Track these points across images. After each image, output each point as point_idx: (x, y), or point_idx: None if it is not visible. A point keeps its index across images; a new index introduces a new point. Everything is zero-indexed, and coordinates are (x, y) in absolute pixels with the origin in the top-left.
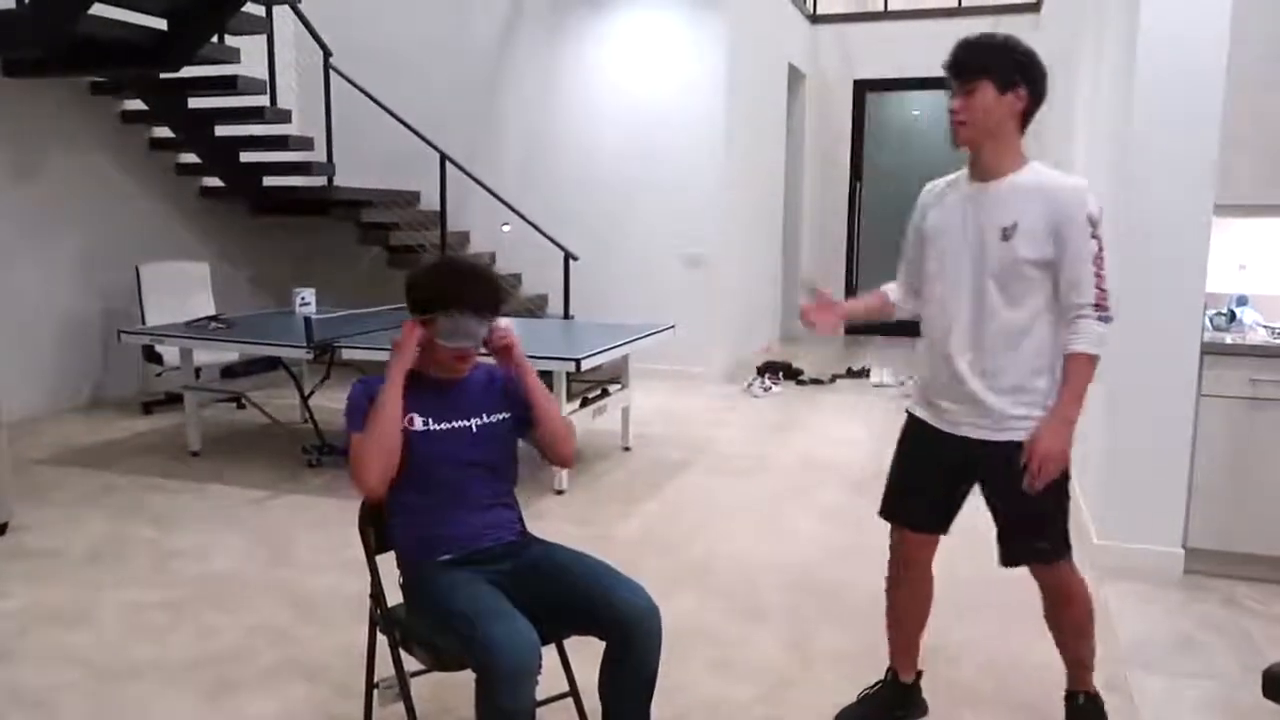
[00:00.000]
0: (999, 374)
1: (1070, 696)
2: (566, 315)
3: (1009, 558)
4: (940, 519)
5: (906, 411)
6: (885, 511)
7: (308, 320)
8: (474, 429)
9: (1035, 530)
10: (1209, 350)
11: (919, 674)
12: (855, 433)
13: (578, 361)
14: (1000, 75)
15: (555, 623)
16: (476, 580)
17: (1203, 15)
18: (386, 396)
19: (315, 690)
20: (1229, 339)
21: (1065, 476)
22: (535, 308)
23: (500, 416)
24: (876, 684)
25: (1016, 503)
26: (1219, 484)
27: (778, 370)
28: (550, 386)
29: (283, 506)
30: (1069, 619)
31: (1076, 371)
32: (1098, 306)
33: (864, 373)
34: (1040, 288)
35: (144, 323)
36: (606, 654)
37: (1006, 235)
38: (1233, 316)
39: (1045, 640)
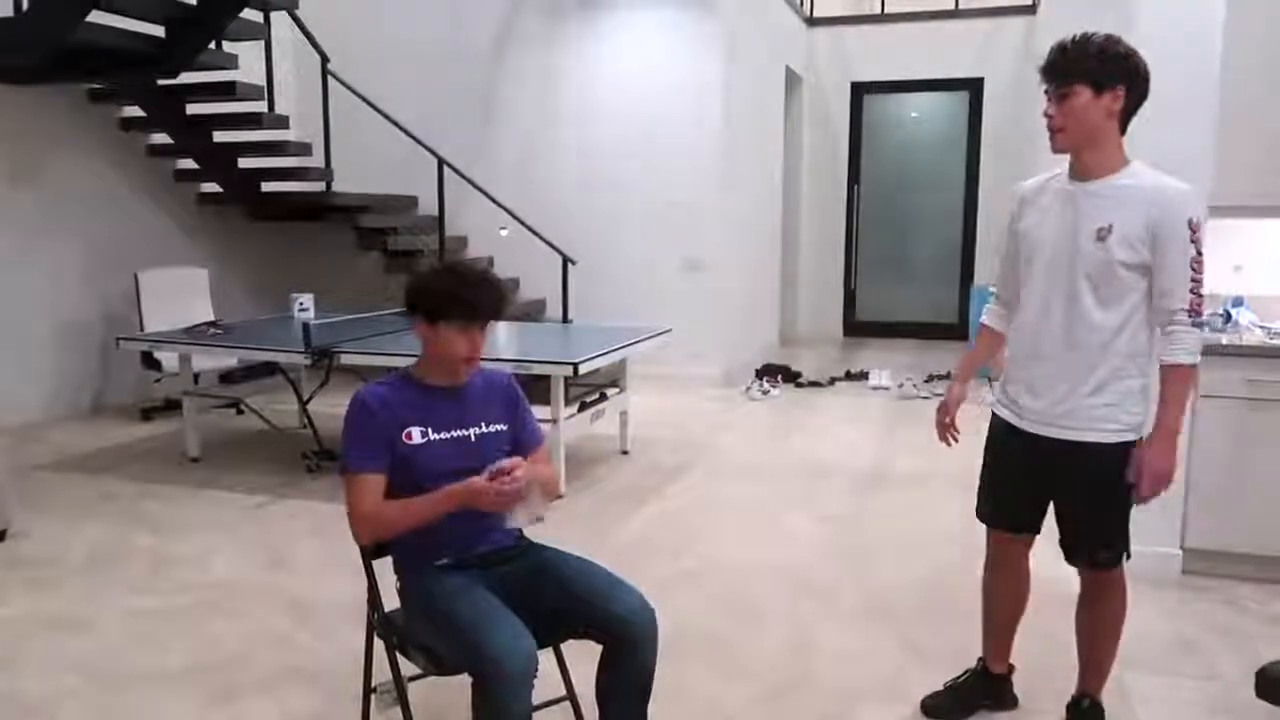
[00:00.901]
0: (1089, 375)
1: (1075, 701)
2: (565, 319)
3: (1073, 559)
4: (1032, 519)
5: (992, 412)
6: (981, 514)
7: (306, 325)
8: (473, 438)
9: (1102, 537)
10: (1206, 351)
11: (1011, 668)
12: (854, 435)
13: (575, 366)
14: (1095, 77)
15: (552, 627)
16: (473, 585)
17: (1197, 18)
18: (427, 510)
19: (314, 696)
20: (1225, 340)
21: (1129, 486)
22: (533, 312)
23: (499, 427)
24: (965, 673)
25: (1088, 508)
26: (1216, 485)
27: (776, 373)
28: (548, 390)
29: (282, 512)
30: (1105, 616)
31: (1177, 383)
32: (1192, 312)
33: (863, 375)
34: (1134, 290)
35: (143, 329)
36: (603, 657)
37: (1101, 236)
38: (1229, 317)
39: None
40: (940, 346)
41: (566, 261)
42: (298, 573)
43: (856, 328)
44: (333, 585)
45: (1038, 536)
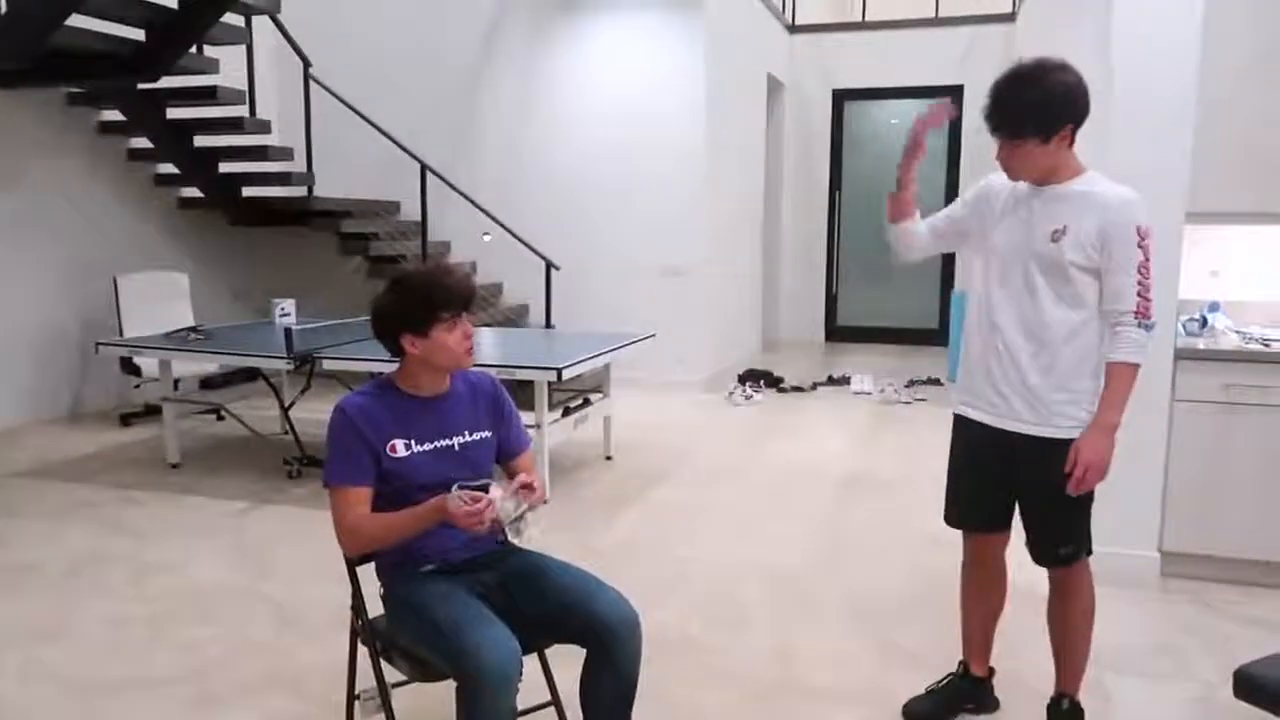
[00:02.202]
0: (1050, 369)
1: (1055, 702)
2: (548, 324)
3: (1039, 558)
4: (1001, 515)
5: (954, 414)
6: (949, 518)
7: (288, 330)
8: (456, 447)
9: (1064, 532)
10: (1182, 356)
11: (992, 670)
12: (836, 440)
13: (559, 371)
14: (1043, 129)
15: (537, 632)
16: (457, 590)
17: (1175, 26)
18: (410, 525)
19: (297, 702)
20: (1202, 344)
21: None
22: (516, 317)
23: (483, 435)
24: (946, 677)
25: (1050, 503)
26: (1193, 488)
27: (759, 378)
28: (532, 396)
29: (264, 518)
30: (1074, 613)
31: (1118, 379)
32: (1139, 314)
33: (844, 380)
34: (1090, 291)
35: (122, 334)
36: (587, 662)
37: (1055, 238)
38: (1205, 322)
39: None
40: (921, 352)
41: (549, 267)
42: (279, 579)
43: (838, 333)
44: (315, 591)
45: (1011, 537)
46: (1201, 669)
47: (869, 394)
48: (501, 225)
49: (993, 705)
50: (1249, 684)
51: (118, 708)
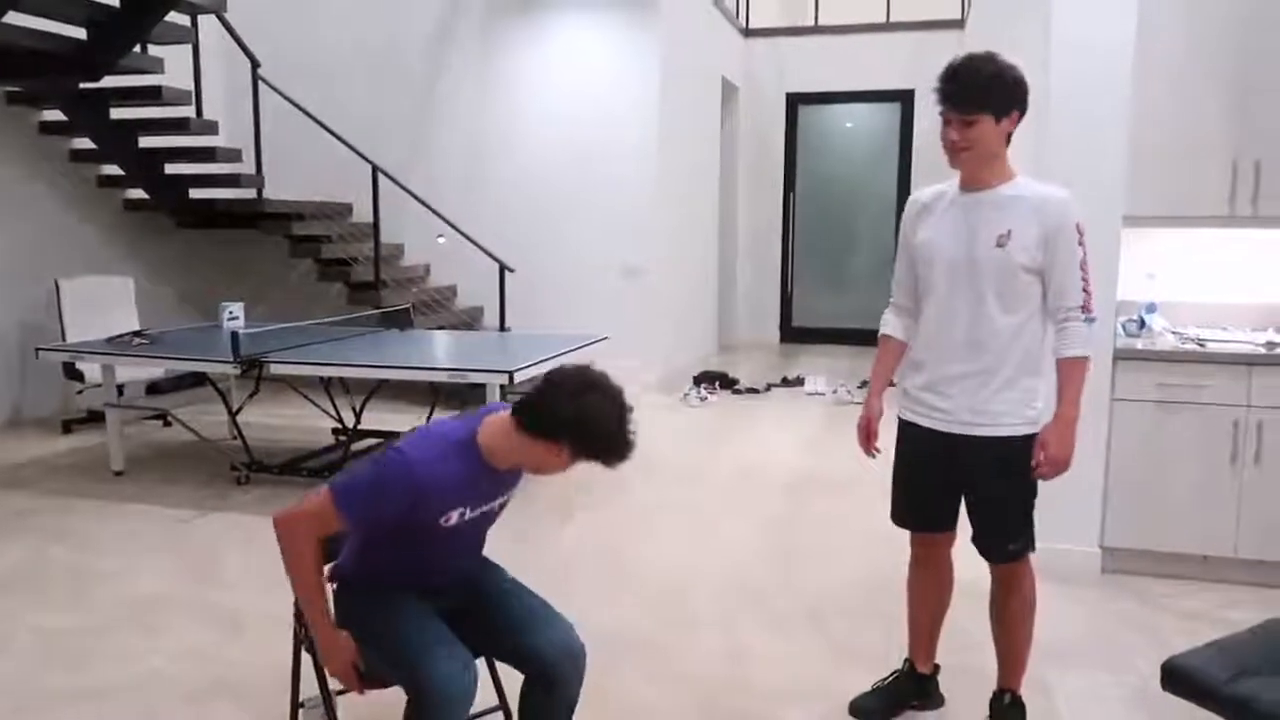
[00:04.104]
0: (993, 374)
1: (997, 697)
2: (503, 327)
3: (987, 554)
4: (947, 516)
5: (898, 418)
6: (895, 517)
7: (235, 334)
8: (495, 509)
9: (1011, 529)
10: (1121, 356)
11: (936, 667)
12: (790, 441)
13: (511, 374)
14: (997, 107)
15: (483, 646)
16: (415, 604)
17: (1110, 35)
18: (311, 608)
19: (242, 712)
20: (1139, 345)
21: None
22: (471, 320)
23: (512, 493)
24: (892, 674)
25: (996, 500)
26: (1133, 484)
27: (714, 380)
28: (484, 400)
29: (211, 525)
30: (1018, 607)
31: (1073, 374)
32: (1084, 309)
33: (799, 381)
34: (1032, 292)
35: (64, 339)
36: (528, 685)
37: (1001, 243)
38: (1143, 323)
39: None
40: (873, 353)
41: (503, 269)
42: (225, 587)
43: (793, 334)
44: (261, 599)
45: (957, 536)
46: (1140, 662)
47: (822, 395)
48: (455, 228)
49: (938, 701)
50: (1176, 676)
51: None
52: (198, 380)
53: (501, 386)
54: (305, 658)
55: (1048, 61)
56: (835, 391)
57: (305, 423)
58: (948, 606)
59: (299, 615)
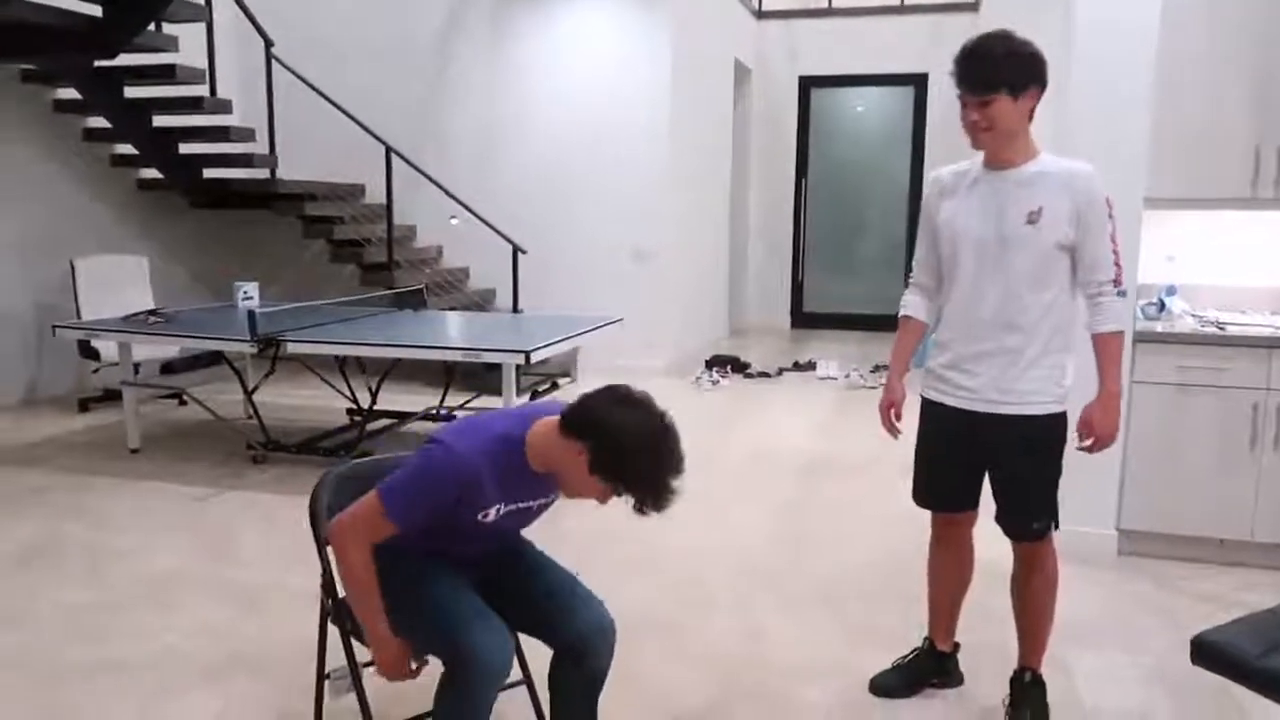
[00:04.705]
0: (1021, 352)
1: (1018, 676)
2: (515, 309)
3: (1011, 533)
4: (970, 495)
5: (922, 398)
6: (917, 497)
7: (251, 313)
8: (534, 508)
9: (1036, 507)
10: (1140, 339)
11: (956, 645)
12: (803, 424)
13: (527, 354)
14: (1014, 85)
15: (512, 619)
16: (450, 573)
17: (1134, 16)
18: (365, 610)
19: (262, 687)
20: (1159, 328)
21: (1062, 452)
22: (483, 301)
23: (554, 497)
24: (912, 652)
25: (1022, 479)
26: (1150, 467)
27: (726, 364)
28: (499, 379)
29: (227, 503)
30: (1040, 586)
31: (1111, 349)
32: (1116, 283)
33: (810, 365)
34: (1061, 268)
35: (79, 318)
36: (558, 660)
37: (1032, 219)
38: (1162, 306)
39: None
40: (885, 338)
41: (516, 251)
42: (243, 563)
43: (804, 319)
44: (278, 575)
45: (979, 516)
46: (1157, 643)
47: (835, 379)
48: (468, 209)
49: (957, 679)
50: (1206, 651)
51: (79, 694)
52: (212, 360)
53: (518, 367)
54: (332, 630)
55: (1070, 42)
56: (848, 376)
57: (320, 403)
58: (968, 585)
59: (326, 587)
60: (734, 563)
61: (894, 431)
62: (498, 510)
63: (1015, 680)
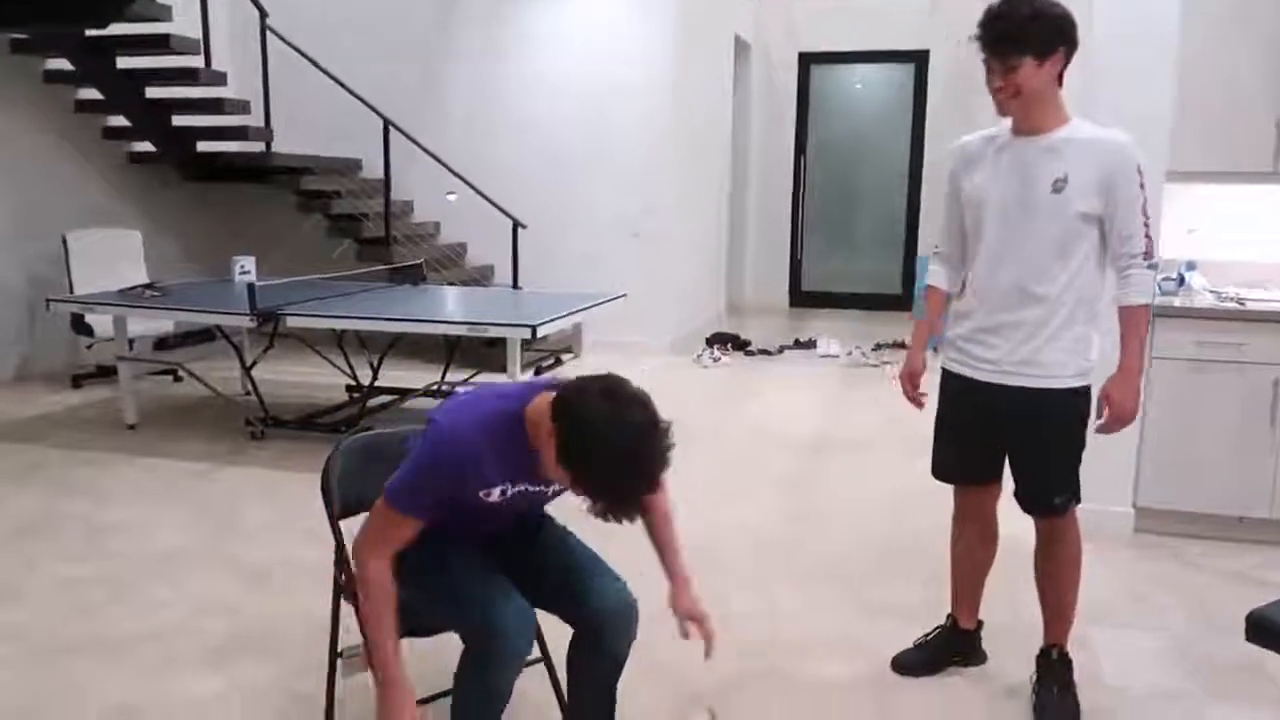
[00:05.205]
0: (1044, 323)
1: (1044, 653)
2: (515, 285)
3: (1031, 508)
4: (992, 468)
5: (942, 369)
6: (937, 471)
7: (251, 287)
8: (547, 493)
9: (1058, 482)
10: (1159, 314)
11: (980, 623)
12: (806, 402)
13: (533, 329)
14: (1040, 48)
15: (532, 596)
16: (469, 550)
17: None
18: (377, 647)
19: (268, 665)
20: (1178, 302)
21: (1084, 426)
22: (481, 278)
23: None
24: (935, 629)
25: (1044, 453)
26: (1167, 444)
27: (726, 341)
28: (503, 355)
29: (227, 479)
30: (1063, 561)
31: (1136, 323)
32: (1146, 255)
33: (811, 343)
34: (1087, 238)
35: (72, 293)
36: (578, 641)
37: (1058, 188)
38: (1182, 280)
39: None
40: (884, 317)
41: (516, 226)
42: (245, 539)
43: (802, 298)
44: (281, 552)
45: (1002, 489)
46: (1177, 621)
47: (836, 357)
48: (467, 183)
49: (980, 657)
50: (1263, 627)
51: (73, 671)
52: (206, 336)
53: (523, 341)
54: (345, 608)
55: (1090, 13)
56: (850, 354)
57: (319, 379)
58: (992, 561)
59: (340, 563)
60: (745, 540)
61: (916, 402)
62: (502, 491)
63: (1042, 658)
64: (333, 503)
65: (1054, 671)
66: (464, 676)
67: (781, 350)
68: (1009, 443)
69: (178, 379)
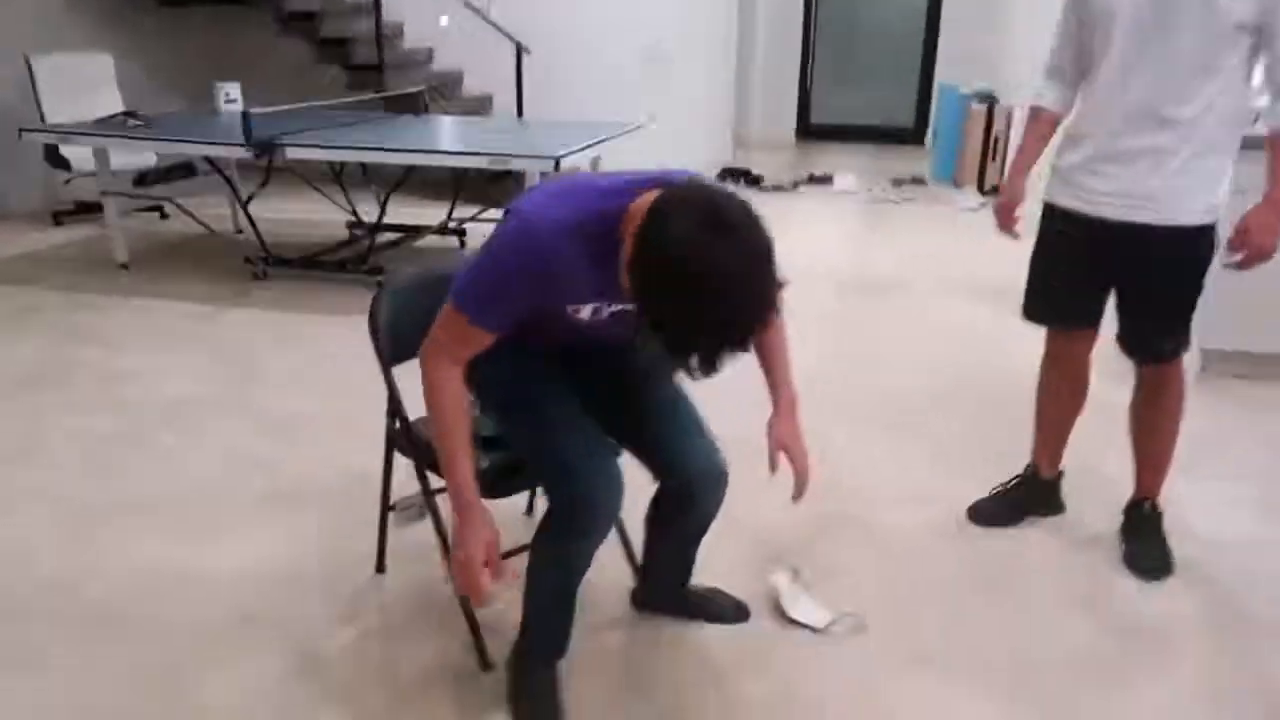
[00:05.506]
0: (1173, 152)
1: (1135, 505)
2: (520, 114)
3: (1136, 352)
4: (1093, 312)
5: (1045, 203)
6: (1031, 313)
7: (246, 115)
8: None
9: (1169, 326)
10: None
11: (1060, 473)
12: (829, 240)
13: (556, 160)
14: None
15: (619, 435)
16: (559, 389)
17: None
18: (450, 468)
19: (310, 522)
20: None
21: (1206, 268)
22: (479, 109)
23: None
24: (1014, 479)
25: (1158, 296)
26: (1234, 284)
27: (738, 176)
28: (506, 191)
29: (234, 322)
30: (1165, 412)
31: None
32: None
33: (826, 179)
34: (1233, 56)
35: (43, 122)
36: (665, 498)
37: None
38: None
39: None
40: (896, 151)
41: (520, 50)
42: (267, 387)
43: (810, 131)
44: (306, 400)
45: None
46: (1256, 468)
47: (854, 193)
48: (465, 2)
49: (1059, 507)
50: None
51: (106, 537)
52: (188, 171)
53: (542, 174)
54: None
55: None
56: (870, 190)
57: (316, 217)
58: (1080, 410)
59: (393, 412)
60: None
61: (1013, 234)
62: (595, 310)
63: (1132, 510)
64: (382, 348)
65: (1147, 523)
66: (544, 539)
67: (796, 186)
68: (1120, 284)
69: (164, 216)
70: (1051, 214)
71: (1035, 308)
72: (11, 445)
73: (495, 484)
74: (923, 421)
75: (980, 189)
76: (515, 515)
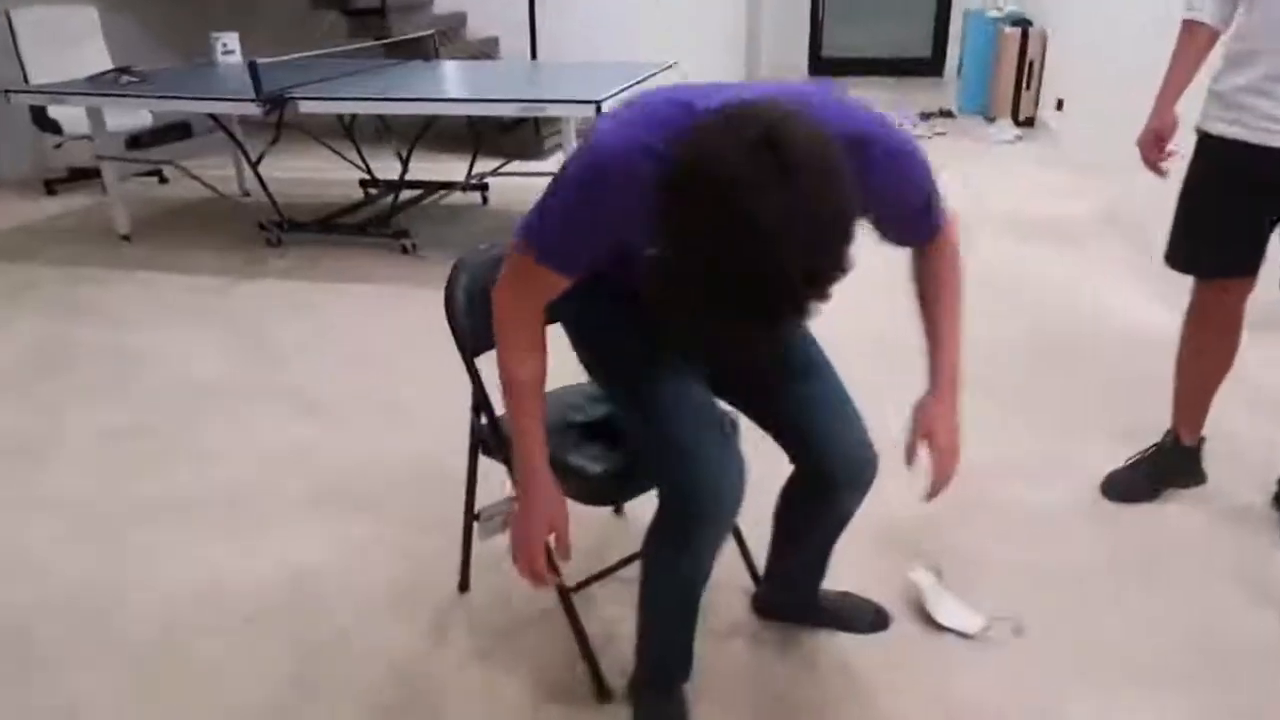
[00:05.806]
0: None
1: None
2: (534, 56)
3: None
4: (1253, 258)
5: (1200, 133)
6: (1176, 259)
7: (253, 65)
8: None
9: None
10: None
11: (1202, 439)
12: None
13: (598, 104)
14: None
15: (751, 410)
16: (684, 375)
17: None
18: (518, 439)
19: (365, 525)
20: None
21: None
22: (487, 52)
23: None
24: (1150, 448)
25: None
26: None
27: None
28: (524, 140)
29: (251, 295)
30: None
31: None
32: None
33: None
34: None
35: (28, 82)
36: (798, 487)
37: None
38: None
39: None
40: (914, 83)
41: None
42: (293, 368)
43: (822, 65)
44: (342, 383)
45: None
46: None
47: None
48: None
49: (1200, 477)
50: None
51: (143, 542)
52: (184, 131)
53: (582, 120)
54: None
55: None
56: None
57: (325, 175)
58: (1228, 370)
59: (478, 406)
60: (864, 345)
61: (1159, 170)
62: None
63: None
64: (460, 331)
65: None
66: (657, 539)
67: None
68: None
69: (164, 180)
70: (1209, 145)
71: (1184, 254)
72: (24, 440)
73: (604, 489)
74: (1023, 383)
75: (1014, 120)
76: (604, 515)
